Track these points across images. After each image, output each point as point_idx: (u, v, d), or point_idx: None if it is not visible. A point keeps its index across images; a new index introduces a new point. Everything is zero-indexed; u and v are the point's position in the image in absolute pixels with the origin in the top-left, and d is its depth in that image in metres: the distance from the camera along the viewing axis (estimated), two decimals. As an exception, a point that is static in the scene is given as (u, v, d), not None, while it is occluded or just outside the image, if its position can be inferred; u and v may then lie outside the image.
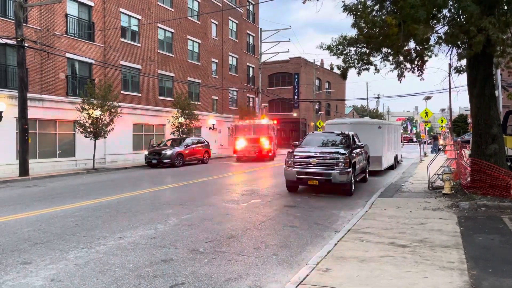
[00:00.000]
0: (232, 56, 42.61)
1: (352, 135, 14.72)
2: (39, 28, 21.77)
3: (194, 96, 35.45)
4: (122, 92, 27.41)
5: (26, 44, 18.75)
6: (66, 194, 13.27)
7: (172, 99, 31.06)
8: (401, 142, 30.52)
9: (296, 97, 57.24)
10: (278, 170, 20.38)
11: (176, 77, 33.04)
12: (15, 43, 18.41)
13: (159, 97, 31.30)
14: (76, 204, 11.35)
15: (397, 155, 23.37)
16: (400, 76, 12.82)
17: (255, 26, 47.36)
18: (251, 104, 45.68)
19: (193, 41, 35.71)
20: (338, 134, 14.74)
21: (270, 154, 29.00)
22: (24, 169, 18.44)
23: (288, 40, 41.64)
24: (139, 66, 29.22)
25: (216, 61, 39.51)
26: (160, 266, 5.97)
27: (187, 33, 34.74)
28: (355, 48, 12.79)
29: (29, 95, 19.41)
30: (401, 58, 12.43)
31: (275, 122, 33.60)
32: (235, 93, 43.22)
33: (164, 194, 13.24)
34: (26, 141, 18.69)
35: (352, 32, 14.85)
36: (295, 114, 57.76)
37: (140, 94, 29.33)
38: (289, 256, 6.51)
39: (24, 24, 19.26)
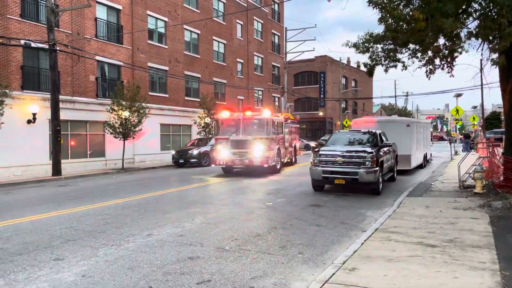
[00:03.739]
0: (257, 56, 42.69)
1: (380, 134, 14.49)
2: (70, 32, 22.42)
3: (219, 96, 35.71)
4: (149, 93, 27.90)
5: (58, 48, 19.34)
6: (96, 193, 13.62)
7: (198, 100, 31.38)
8: (431, 140, 29.80)
9: (322, 96, 56.80)
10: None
11: (202, 77, 33.38)
12: (47, 47, 19.03)
13: (186, 98, 31.69)
14: (106, 202, 11.64)
15: (426, 153, 22.84)
16: (429, 73, 12.53)
17: (280, 25, 47.29)
18: (276, 103, 45.63)
19: (218, 41, 35.98)
20: (365, 133, 14.54)
21: (271, 163, 18.30)
22: (56, 169, 19.04)
23: (314, 39, 41.31)
24: (166, 68, 29.67)
25: (242, 61, 39.68)
26: (187, 263, 6.05)
27: (213, 34, 35.03)
28: (381, 45, 12.58)
29: (61, 97, 20.02)
30: (430, 54, 12.15)
31: (286, 116, 23.90)
32: (260, 92, 43.29)
33: (191, 193, 13.40)
34: (58, 142, 19.31)
35: (379, 29, 14.63)
36: (321, 113, 57.32)
37: (167, 95, 29.78)
38: (315, 255, 6.47)
39: (56, 28, 19.87)
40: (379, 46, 12.56)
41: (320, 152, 12.98)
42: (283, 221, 9.00)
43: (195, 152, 24.63)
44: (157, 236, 7.68)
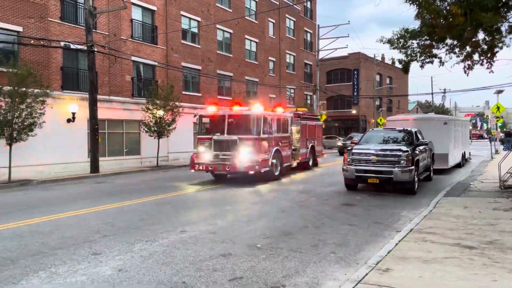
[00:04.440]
0: (290, 54, 42.52)
1: (415, 132, 14.13)
2: (107, 33, 23.08)
3: (251, 95, 35.82)
4: (183, 92, 28.34)
5: (96, 49, 19.96)
6: (132, 190, 13.98)
7: (231, 98, 31.59)
8: (470, 138, 28.78)
9: (355, 93, 55.92)
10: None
11: (234, 76, 33.58)
12: (85, 48, 19.67)
13: (218, 97, 31.99)
14: (141, 199, 11.93)
15: (464, 152, 22.09)
16: (468, 69, 12.12)
17: (313, 22, 46.90)
18: (308, 101, 45.32)
19: (250, 40, 36.09)
20: (400, 131, 14.22)
21: (262, 168, 14.90)
22: (94, 167, 19.68)
23: (347, 36, 40.77)
24: (199, 67, 30.04)
25: (273, 59, 39.64)
26: (219, 260, 6.12)
27: (245, 32, 35.17)
28: (417, 41, 12.29)
29: (98, 96, 20.64)
30: (469, 49, 11.74)
31: (302, 112, 21.24)
32: (292, 91, 43.11)
33: (223, 192, 13.53)
34: (96, 140, 19.94)
35: (415, 25, 14.27)
36: (354, 111, 56.46)
37: (200, 94, 30.16)
38: (348, 255, 6.40)
39: (94, 30, 20.50)
40: (414, 41, 12.28)
41: (353, 151, 12.81)
42: (315, 220, 8.94)
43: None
44: (190, 232, 7.81)
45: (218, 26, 31.69)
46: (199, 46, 30.16)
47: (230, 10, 33.13)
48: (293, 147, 18.47)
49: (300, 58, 44.33)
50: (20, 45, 18.84)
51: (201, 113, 16.50)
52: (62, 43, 20.44)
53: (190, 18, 29.44)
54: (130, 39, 24.62)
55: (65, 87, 21.09)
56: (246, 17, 34.84)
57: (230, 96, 32.06)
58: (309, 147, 20.50)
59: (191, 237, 7.44)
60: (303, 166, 20.00)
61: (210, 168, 15.08)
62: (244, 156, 14.52)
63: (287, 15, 41.65)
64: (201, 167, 15.17)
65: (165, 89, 23.54)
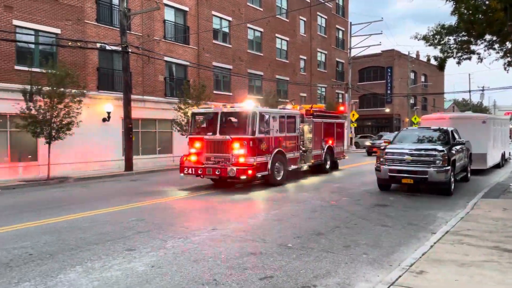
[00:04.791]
0: (321, 52, 42.12)
1: (452, 131, 13.70)
2: (141, 34, 23.58)
3: (282, 93, 35.72)
4: (214, 92, 28.58)
5: (130, 50, 20.43)
6: (165, 188, 14.22)
7: (261, 97, 31.63)
8: (510, 138, 27.63)
9: (388, 91, 54.78)
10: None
11: (264, 75, 33.59)
12: (120, 49, 20.17)
13: (249, 96, 32.07)
14: (174, 197, 12.13)
15: (504, 152, 21.24)
16: (508, 65, 11.65)
17: (345, 20, 46.27)
18: (340, 100, 44.76)
19: (281, 39, 35.98)
20: (435, 130, 13.82)
21: (257, 173, 13.13)
22: (128, 165, 20.16)
23: (380, 33, 40.11)
24: (230, 66, 30.22)
25: (304, 57, 39.37)
26: (250, 258, 6.14)
27: (276, 31, 35.10)
28: (454, 37, 11.91)
29: (132, 96, 21.13)
30: (509, 45, 11.28)
31: (316, 109, 18.96)
32: (323, 89, 42.70)
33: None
34: (130, 139, 20.43)
35: (451, 20, 13.83)
36: (387, 110, 55.32)
37: (231, 93, 30.34)
38: (380, 256, 6.28)
39: (128, 31, 20.98)
40: (451, 38, 11.91)
41: (387, 150, 12.55)
42: (347, 220, 8.82)
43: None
44: (221, 230, 7.87)
45: (248, 25, 31.78)
46: (230, 46, 30.34)
47: (261, 9, 33.15)
48: (303, 148, 16.48)
49: (331, 56, 43.84)
50: (59, 47, 19.54)
51: (194, 110, 15.19)
52: (98, 45, 21.04)
53: (221, 18, 29.65)
54: (163, 40, 25.06)
55: (100, 88, 21.70)
56: (277, 16, 34.76)
57: (261, 95, 32.11)
58: (325, 148, 18.16)
59: (222, 235, 7.50)
60: (319, 169, 17.91)
61: (200, 172, 13.29)
62: (236, 158, 12.94)
63: (318, 13, 41.27)
64: (190, 171, 13.52)
65: (196, 89, 23.83)
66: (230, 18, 30.22)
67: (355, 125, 42.25)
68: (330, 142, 18.70)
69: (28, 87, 16.25)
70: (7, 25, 17.53)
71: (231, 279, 5.30)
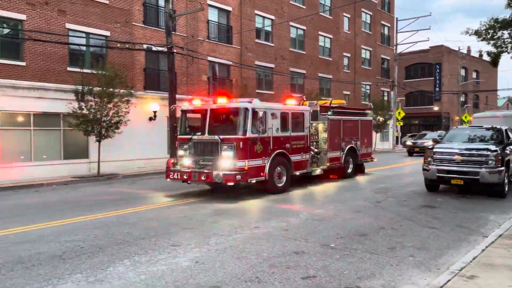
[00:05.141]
0: (365, 49, 41.22)
1: (506, 130, 12.99)
2: (185, 35, 24.08)
3: (325, 92, 35.30)
4: (256, 91, 28.69)
5: (175, 51, 20.90)
6: (207, 186, 14.44)
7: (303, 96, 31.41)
8: None
9: (437, 89, 52.76)
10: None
11: (307, 73, 33.34)
12: (166, 50, 20.68)
13: (292, 94, 31.95)
14: (216, 195, 12.29)
15: None
16: None
17: (391, 15, 45.03)
18: (385, 98, 43.62)
19: (324, 36, 35.56)
20: (488, 129, 13.15)
21: (250, 179, 11.37)
22: (173, 162, 20.64)
23: (428, 28, 38.68)
24: (272, 65, 30.23)
25: (348, 55, 38.69)
26: (292, 257, 6.11)
27: (319, 29, 34.73)
28: (508, 31, 11.29)
29: (177, 96, 21.62)
30: None
31: (338, 104, 17.36)
32: (368, 87, 41.77)
33: (291, 190, 13.48)
34: (175, 138, 20.89)
35: (505, 14, 13.12)
36: (436, 108, 53.30)
37: (272, 92, 30.35)
38: (428, 259, 6.06)
39: (173, 32, 21.47)
40: (505, 32, 11.30)
41: (435, 150, 12.10)
42: (392, 221, 8.59)
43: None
44: (264, 229, 7.89)
45: (291, 23, 31.64)
46: (272, 44, 30.34)
47: (304, 7, 32.91)
48: (315, 150, 14.53)
49: (376, 53, 42.80)
50: (108, 49, 20.33)
51: (183, 107, 13.38)
52: (144, 46, 21.69)
53: (263, 17, 29.72)
54: (207, 40, 25.45)
55: (147, 87, 22.36)
56: (320, 13, 34.37)
57: (303, 93, 31.89)
58: (346, 150, 15.94)
59: (264, 234, 7.52)
60: (338, 174, 15.85)
61: (185, 177, 11.74)
62: (223, 162, 11.19)
63: (363, 9, 40.40)
64: (175, 176, 11.90)
65: (239, 88, 24.03)
66: (273, 17, 30.22)
67: (401, 123, 41.04)
68: (353, 142, 16.50)
69: (80, 87, 17.06)
70: (61, 29, 18.44)
71: (273, 277, 5.31)
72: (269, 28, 30.17)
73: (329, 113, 15.33)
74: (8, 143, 16.85)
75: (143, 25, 22.16)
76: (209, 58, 25.46)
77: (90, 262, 5.98)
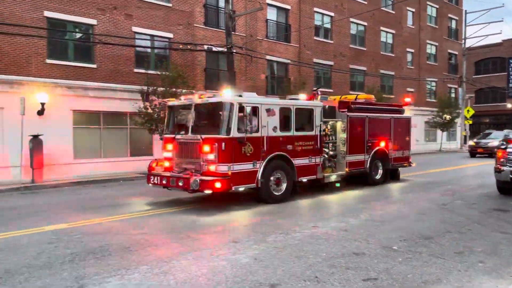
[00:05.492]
0: (431, 44, 39.34)
1: None
2: (244, 35, 24.39)
3: (387, 89, 34.18)
4: (314, 88, 28.39)
5: (234, 50, 21.24)
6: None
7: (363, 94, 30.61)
8: None
9: (510, 85, 49.15)
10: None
11: (367, 70, 32.45)
12: (225, 50, 21.08)
13: (350, 92, 31.28)
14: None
15: None
16: None
17: (458, 8, 42.61)
18: (453, 95, 41.37)
19: (386, 32, 34.41)
20: None
21: (228, 184, 9.58)
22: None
23: (501, 20, 36.11)
24: (331, 63, 29.77)
25: (412, 50, 37.14)
26: (352, 258, 5.99)
27: (380, 24, 33.67)
28: None
29: (236, 95, 21.98)
30: None
31: (365, 99, 15.23)
32: (433, 84, 39.85)
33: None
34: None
35: None
36: (509, 105, 49.63)
37: (331, 90, 29.85)
38: (500, 266, 5.68)
39: (232, 32, 21.82)
40: None
41: (509, 150, 11.30)
42: (460, 225, 8.13)
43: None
44: (322, 228, 7.80)
45: (351, 19, 30.94)
46: (332, 42, 29.88)
47: (365, 2, 32.06)
48: (330, 152, 12.63)
49: (443, 48, 40.70)
50: (171, 50, 21.09)
51: (170, 103, 11.64)
52: (205, 47, 22.24)
53: (323, 14, 29.34)
54: (265, 39, 25.60)
55: (207, 87, 22.90)
56: (382, 8, 33.32)
57: (363, 91, 31.09)
58: (372, 152, 13.66)
59: (323, 233, 7.44)
60: (363, 180, 13.72)
61: (164, 182, 10.28)
62: (204, 166, 9.78)
63: (428, 2, 38.59)
64: (156, 180, 10.53)
65: (297, 86, 23.93)
66: (332, 14, 29.75)
67: (470, 122, 38.71)
68: (383, 144, 14.08)
69: (145, 88, 17.87)
70: (127, 32, 19.41)
71: (332, 277, 5.23)
72: (328, 25, 29.74)
73: (349, 109, 13.24)
74: (79, 141, 18.02)
75: (204, 26, 22.73)
76: (268, 57, 25.59)
77: (155, 255, 6.25)
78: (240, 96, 10.30)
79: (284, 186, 10.79)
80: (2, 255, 6.38)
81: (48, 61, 17.09)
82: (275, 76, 26.79)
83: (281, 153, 10.66)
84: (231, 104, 9.77)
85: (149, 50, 20.80)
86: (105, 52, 18.74)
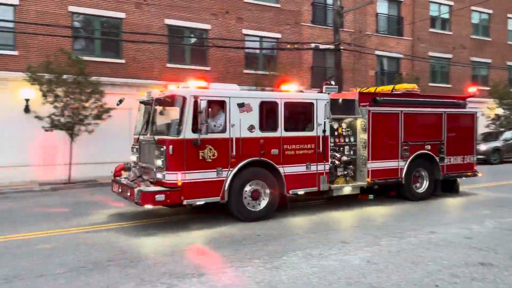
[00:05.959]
0: None
1: None
2: (353, 31, 23.77)
3: (516, 82, 30.50)
4: (429, 84, 26.49)
5: (342, 47, 20.83)
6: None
7: (487, 88, 27.68)
8: None
9: None
10: None
11: (493, 63, 29.27)
12: (333, 47, 20.77)
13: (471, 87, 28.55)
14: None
15: None
16: None
17: None
18: None
19: (515, 19, 30.74)
20: None
21: (179, 197, 7.70)
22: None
23: None
24: (449, 56, 27.49)
25: (547, 38, 32.58)
26: (478, 269, 5.46)
27: (508, 11, 30.13)
28: None
29: (343, 92, 21.52)
30: None
31: (384, 91, 11.51)
32: None
33: (477, 192, 12.00)
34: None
35: None
36: None
37: (449, 85, 27.61)
38: None
39: (340, 29, 21.42)
40: None
41: None
42: None
43: (483, 147, 21.92)
44: (441, 234, 7.25)
45: (473, 8, 28.23)
46: (450, 33, 27.62)
47: (489, -12, 28.99)
48: (344, 158, 9.76)
49: None
50: (279, 50, 21.46)
51: (140, 98, 9.61)
52: (312, 45, 22.18)
53: (440, 4, 27.28)
54: (375, 34, 24.66)
55: (313, 85, 22.79)
56: (510, -7, 29.82)
57: (487, 85, 28.16)
58: (411, 158, 10.53)
59: (441, 240, 6.91)
60: (396, 192, 10.86)
61: (119, 191, 8.77)
62: (154, 173, 8.10)
63: None
64: (115, 188, 9.03)
65: (409, 82, 22.59)
66: (451, 3, 27.48)
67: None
68: (428, 146, 10.83)
69: (253, 88, 18.43)
70: (238, 35, 20.22)
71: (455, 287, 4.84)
72: (446, 15, 27.54)
73: (374, 102, 10.26)
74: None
75: (311, 24, 22.70)
76: (377, 52, 24.60)
77: (266, 250, 6.40)
78: (205, 87, 8.21)
79: (265, 200, 8.53)
80: None
81: (168, 65, 18.60)
82: (385, 72, 25.65)
83: (261, 158, 8.46)
84: (183, 98, 7.89)
85: (257, 51, 21.42)
86: (218, 55, 19.76)
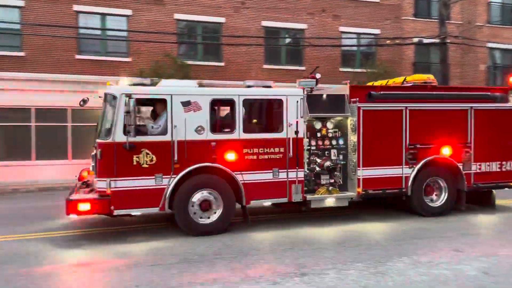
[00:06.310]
0: None
1: None
2: (461, 22, 21.98)
3: None
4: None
5: (448, 41, 19.37)
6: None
7: None
8: None
9: None
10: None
11: None
12: (438, 41, 19.42)
13: None
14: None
15: None
16: None
17: None
18: None
19: None
20: None
21: (104, 207, 6.99)
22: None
23: None
24: None
25: None
26: None
27: None
28: None
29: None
30: None
31: (385, 85, 9.60)
32: None
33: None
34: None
35: None
36: None
37: None
38: None
39: (446, 21, 19.95)
40: None
41: None
42: None
43: None
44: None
45: None
46: None
47: None
48: (326, 164, 8.11)
49: None
50: (377, 46, 20.66)
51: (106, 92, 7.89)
52: (414, 39, 20.98)
53: None
54: (487, 25, 22.55)
55: (416, 82, 21.61)
56: None
57: None
58: (421, 164, 8.58)
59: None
60: (400, 203, 9.02)
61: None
62: (100, 183, 7.11)
63: None
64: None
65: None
66: None
67: None
68: (447, 150, 8.76)
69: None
70: (334, 32, 19.89)
71: None
72: None
73: (370, 97, 8.51)
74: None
75: (413, 18, 21.50)
76: (489, 45, 22.46)
77: (369, 254, 6.19)
78: (142, 84, 7.37)
79: (217, 212, 7.45)
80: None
81: (265, 66, 18.96)
82: (498, 66, 23.31)
83: (212, 164, 7.37)
84: (113, 97, 7.13)
85: (354, 48, 20.86)
86: (313, 54, 19.63)
